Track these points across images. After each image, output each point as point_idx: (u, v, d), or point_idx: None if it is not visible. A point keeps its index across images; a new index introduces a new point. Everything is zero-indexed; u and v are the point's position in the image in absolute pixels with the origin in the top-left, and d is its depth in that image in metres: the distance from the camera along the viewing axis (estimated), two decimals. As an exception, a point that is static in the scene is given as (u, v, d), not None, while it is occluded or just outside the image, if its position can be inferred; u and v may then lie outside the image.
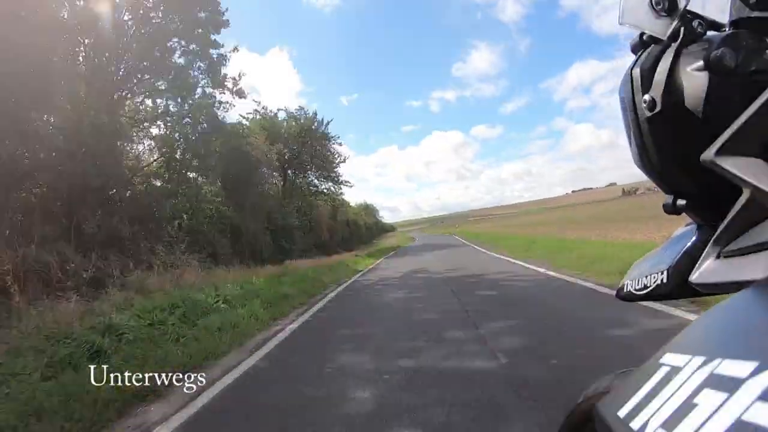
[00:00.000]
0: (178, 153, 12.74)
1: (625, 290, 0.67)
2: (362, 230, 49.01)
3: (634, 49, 0.55)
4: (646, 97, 0.50)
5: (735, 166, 0.40)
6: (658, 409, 0.38)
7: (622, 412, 0.42)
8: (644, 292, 0.61)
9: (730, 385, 0.31)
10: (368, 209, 77.88)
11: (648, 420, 0.38)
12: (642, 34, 0.54)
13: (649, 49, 0.53)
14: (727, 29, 0.49)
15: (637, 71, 0.52)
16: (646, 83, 0.51)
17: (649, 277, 0.60)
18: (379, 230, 75.70)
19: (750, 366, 0.31)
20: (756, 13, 0.47)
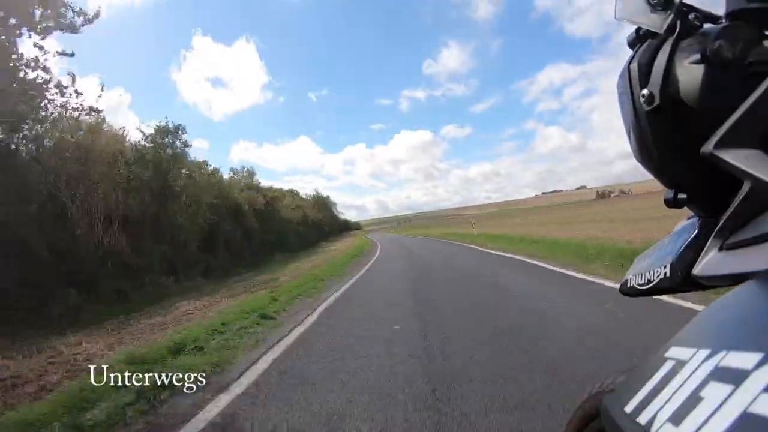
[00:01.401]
0: None
1: (628, 285, 0.67)
2: (300, 228, 40.01)
3: (631, 44, 0.55)
4: (645, 91, 0.50)
5: (735, 158, 0.41)
6: (665, 403, 0.37)
7: (629, 408, 0.42)
8: (648, 286, 0.61)
9: (735, 377, 0.31)
10: (320, 201, 65.87)
11: (655, 414, 0.37)
12: (638, 28, 0.54)
13: (646, 44, 0.53)
14: (723, 21, 0.50)
15: (634, 66, 0.52)
16: (644, 78, 0.51)
17: (651, 271, 0.60)
18: (340, 227, 66.47)
19: (755, 357, 0.31)
20: (752, 5, 0.47)
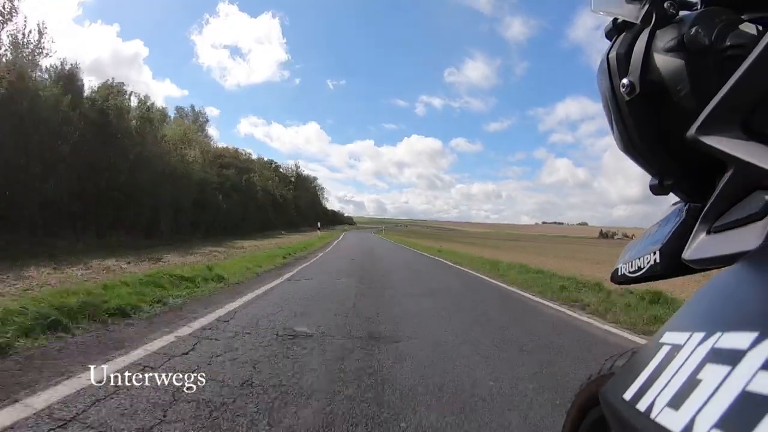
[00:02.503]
0: None
1: (619, 273, 0.67)
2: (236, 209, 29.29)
3: (609, 35, 0.56)
4: (624, 80, 0.50)
5: (717, 142, 0.41)
6: (663, 388, 0.37)
7: (628, 395, 0.41)
8: (638, 274, 0.61)
9: (732, 358, 0.31)
10: (301, 177, 56.43)
11: (654, 400, 0.37)
12: (615, 19, 0.54)
13: (623, 35, 0.53)
14: (698, 7, 0.50)
15: (613, 56, 0.53)
16: (623, 67, 0.52)
17: (641, 258, 0.60)
18: (321, 216, 54.50)
19: (750, 336, 0.30)
20: None
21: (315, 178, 69.55)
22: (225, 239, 21.06)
